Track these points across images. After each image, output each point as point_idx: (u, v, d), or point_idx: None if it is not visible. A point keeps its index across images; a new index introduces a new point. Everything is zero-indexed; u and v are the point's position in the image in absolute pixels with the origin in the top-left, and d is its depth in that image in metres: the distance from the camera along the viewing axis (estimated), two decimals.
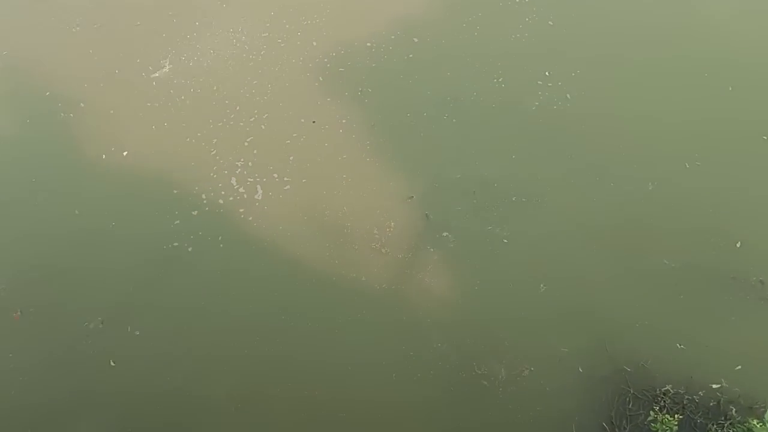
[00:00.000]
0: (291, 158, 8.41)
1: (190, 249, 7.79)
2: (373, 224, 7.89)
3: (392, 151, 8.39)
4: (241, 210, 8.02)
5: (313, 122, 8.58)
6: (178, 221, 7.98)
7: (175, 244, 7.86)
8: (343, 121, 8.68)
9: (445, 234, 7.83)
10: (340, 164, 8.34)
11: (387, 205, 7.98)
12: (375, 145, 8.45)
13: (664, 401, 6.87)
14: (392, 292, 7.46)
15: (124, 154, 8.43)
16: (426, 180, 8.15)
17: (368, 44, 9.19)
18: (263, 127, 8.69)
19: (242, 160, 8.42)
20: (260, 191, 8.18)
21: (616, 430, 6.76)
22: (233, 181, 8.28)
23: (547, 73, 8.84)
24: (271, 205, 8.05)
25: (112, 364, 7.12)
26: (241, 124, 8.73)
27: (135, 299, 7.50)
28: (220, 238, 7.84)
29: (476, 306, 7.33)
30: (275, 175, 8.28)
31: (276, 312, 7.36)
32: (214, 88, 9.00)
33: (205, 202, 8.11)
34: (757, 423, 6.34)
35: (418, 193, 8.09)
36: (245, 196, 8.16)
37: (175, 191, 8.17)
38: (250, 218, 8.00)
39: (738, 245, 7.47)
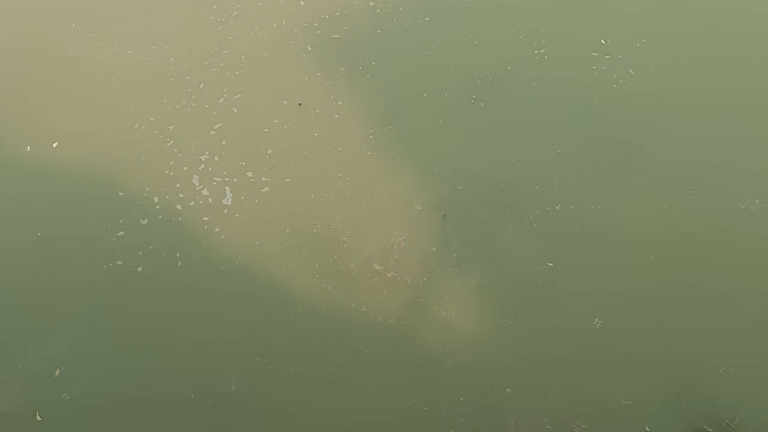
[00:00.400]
0: (270, 152, 8.19)
1: (139, 269, 7.50)
2: (376, 239, 7.62)
3: (402, 144, 8.16)
4: (206, 218, 7.74)
5: (299, 105, 8.40)
6: (122, 232, 7.70)
7: (119, 262, 7.55)
8: (339, 103, 8.49)
9: (469, 252, 7.54)
10: (334, 160, 8.09)
11: (395, 214, 7.74)
12: (380, 136, 8.24)
13: None
14: (401, 327, 7.19)
15: (54, 145, 8.21)
16: (446, 182, 7.93)
17: (371, 3, 9.08)
18: (235, 110, 8.45)
19: (207, 153, 8.17)
20: (230, 194, 7.90)
21: None
22: (195, 180, 8.00)
23: (602, 42, 8.69)
24: (243, 212, 7.78)
25: (38, 418, 6.89)
26: (206, 106, 8.49)
27: (65, 338, 7.22)
28: (177, 254, 7.55)
29: (510, 346, 7.06)
30: (249, 174, 8.03)
31: (250, 351, 7.10)
32: (171, 59, 8.80)
33: (158, 207, 7.83)
34: None
35: (435, 198, 7.89)
36: (210, 200, 7.89)
37: (120, 193, 7.92)
38: (217, 229, 7.70)
39: None
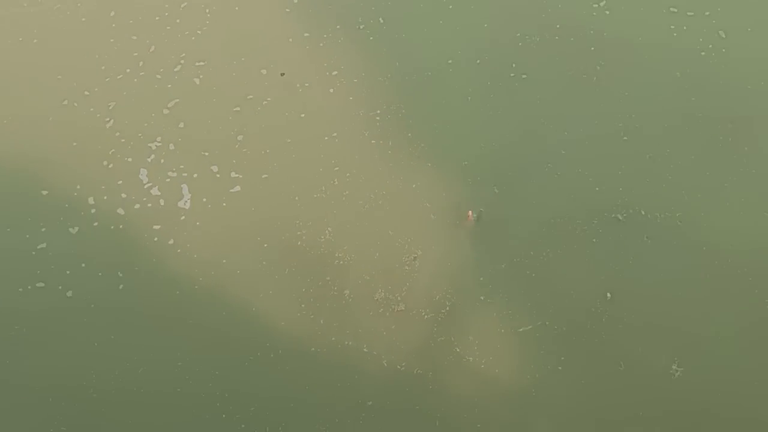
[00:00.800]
0: (241, 138, 8.06)
1: (68, 294, 7.38)
2: (382, 257, 7.54)
3: (418, 129, 8.14)
4: (156, 227, 7.62)
5: (282, 75, 8.30)
6: (44, 244, 7.56)
7: (40, 284, 7.42)
8: (333, 73, 8.39)
9: (505, 276, 7.46)
10: (326, 150, 8.02)
11: (407, 223, 7.69)
12: (388, 118, 8.18)
13: None
14: (414, 377, 7.13)
15: None
16: (476, 181, 7.87)
17: None
18: (196, 82, 8.33)
19: (159, 139, 8.04)
20: (188, 195, 7.77)
21: None
22: (143, 175, 7.86)
23: None
24: (207, 219, 7.69)
25: None
26: (158, 77, 8.37)
27: None
28: (119, 274, 7.44)
29: (559, 401, 7.01)
30: (214, 168, 7.90)
31: (215, 404, 6.99)
32: (112, 13, 8.69)
33: (93, 212, 7.72)
34: None
35: (461, 202, 7.78)
36: (162, 202, 7.75)
37: (43, 192, 7.80)
38: (171, 242, 7.58)
39: None
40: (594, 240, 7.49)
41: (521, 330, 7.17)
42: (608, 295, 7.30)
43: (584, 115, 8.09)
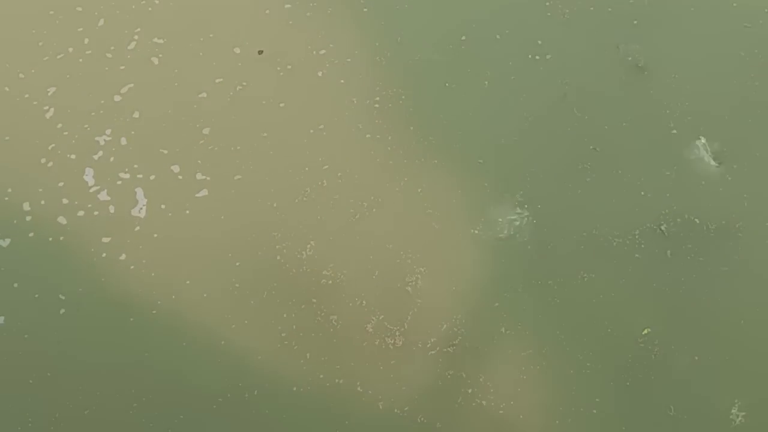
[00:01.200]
0: (207, 132, 8.13)
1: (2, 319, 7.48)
2: (378, 276, 7.62)
3: (424, 119, 8.19)
4: (106, 239, 7.72)
5: (260, 53, 8.41)
6: None
7: None
8: (321, 52, 8.46)
9: (532, 303, 7.56)
10: (312, 145, 8.11)
11: (409, 235, 7.77)
12: (389, 107, 8.21)
13: None
14: (418, 425, 7.19)
15: None
16: (496, 184, 7.94)
17: None
18: (154, 62, 8.38)
19: (108, 132, 8.10)
20: (143, 201, 7.88)
21: None
22: (89, 176, 7.94)
23: None
24: (166, 229, 7.79)
25: None
26: (109, 56, 8.43)
27: None
28: (60, 297, 7.50)
29: None
30: (175, 168, 7.98)
31: None
32: None
33: (28, 220, 7.79)
34: None
35: (476, 211, 7.84)
36: (113, 209, 7.84)
37: None
38: (123, 257, 7.66)
39: None
40: (636, 256, 7.59)
41: (549, 365, 7.26)
42: (648, 329, 7.42)
43: (625, 103, 8.18)
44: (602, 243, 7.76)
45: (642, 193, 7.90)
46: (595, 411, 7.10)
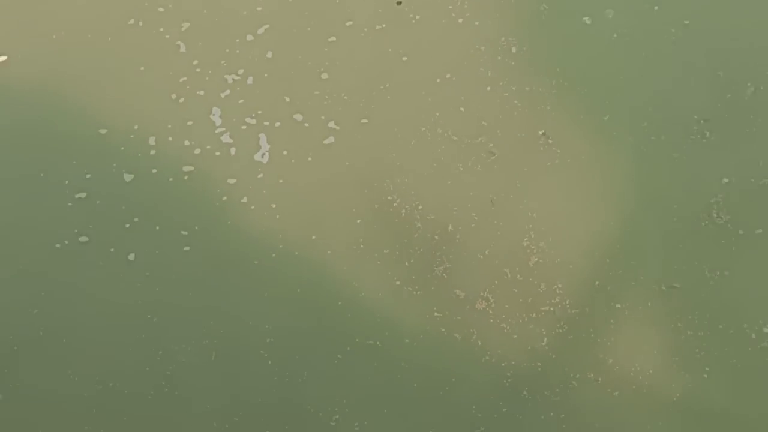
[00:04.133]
0: (328, 76, 7.88)
1: (111, 250, 7.46)
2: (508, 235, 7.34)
3: (572, 65, 7.76)
4: (232, 181, 7.68)
5: (398, 4, 8.05)
6: (83, 194, 7.60)
7: (84, 239, 7.51)
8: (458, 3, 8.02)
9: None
10: (440, 91, 7.73)
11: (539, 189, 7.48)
12: (524, 50, 7.82)
13: None
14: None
15: (1, 60, 8.07)
16: (647, 136, 7.57)
17: None
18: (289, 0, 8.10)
19: (242, 70, 7.90)
20: (266, 146, 7.75)
21: None
22: (216, 116, 7.82)
23: None
24: (290, 177, 7.64)
25: None
26: None
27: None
28: (183, 233, 7.51)
29: None
30: (299, 116, 7.77)
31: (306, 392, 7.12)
32: None
33: (153, 154, 7.74)
34: None
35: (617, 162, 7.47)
36: (234, 152, 7.74)
37: (101, 131, 7.79)
38: (245, 200, 7.62)
39: None
40: None
41: None
42: None
43: None
44: None
45: None
46: None
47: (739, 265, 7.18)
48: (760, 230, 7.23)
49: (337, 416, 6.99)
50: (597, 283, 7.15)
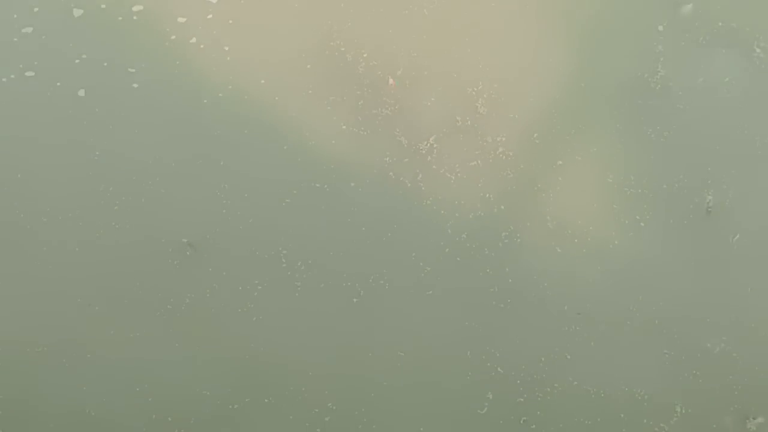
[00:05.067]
0: None
1: (57, 84, 7.31)
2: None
3: None
4: (181, 20, 7.53)
5: None
6: (29, 28, 7.45)
7: (29, 73, 7.35)
8: None
9: None
10: None
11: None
12: None
13: None
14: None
15: None
16: None
17: None
18: None
19: None
20: None
21: None
22: None
23: None
24: (240, 17, 7.49)
25: None
26: None
27: None
28: (131, 70, 7.41)
29: None
30: None
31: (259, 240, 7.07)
32: None
33: None
34: None
35: None
36: None
37: None
38: (194, 40, 7.47)
39: None
40: None
41: None
42: None
43: None
44: None
45: None
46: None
47: (676, 125, 7.27)
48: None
49: (285, 253, 6.98)
50: (536, 136, 7.17)
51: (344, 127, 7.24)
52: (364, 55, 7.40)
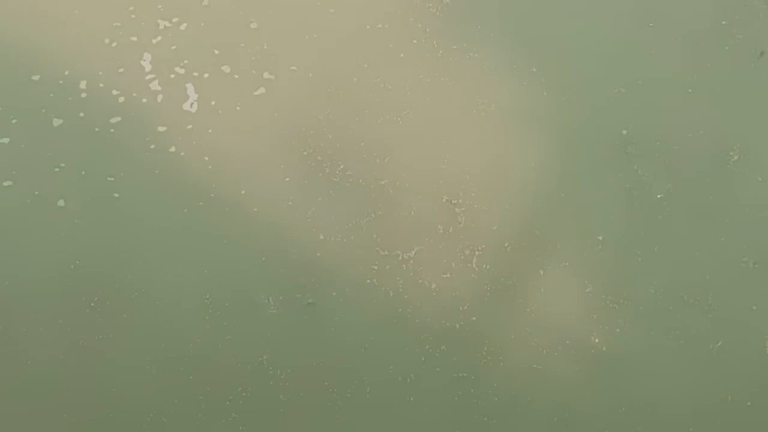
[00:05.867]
0: (255, 26, 7.87)
1: (36, 193, 7.38)
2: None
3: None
4: (162, 129, 7.64)
5: None
6: (6, 139, 7.54)
7: (6, 183, 7.44)
8: None
9: None
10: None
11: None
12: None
13: None
14: None
15: None
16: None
17: None
18: None
19: (176, 19, 7.92)
20: (194, 96, 7.74)
21: None
22: (146, 61, 7.82)
23: None
24: (218, 127, 7.65)
25: None
26: None
27: None
28: (110, 179, 7.46)
29: None
30: (226, 68, 7.81)
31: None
32: None
33: (83, 98, 7.67)
34: None
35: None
36: (162, 99, 7.71)
37: (34, 77, 7.74)
38: (173, 149, 7.59)
39: None
40: None
41: None
42: None
43: None
44: None
45: None
46: None
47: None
48: None
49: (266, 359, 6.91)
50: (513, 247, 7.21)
51: (322, 237, 7.27)
52: (341, 167, 7.49)
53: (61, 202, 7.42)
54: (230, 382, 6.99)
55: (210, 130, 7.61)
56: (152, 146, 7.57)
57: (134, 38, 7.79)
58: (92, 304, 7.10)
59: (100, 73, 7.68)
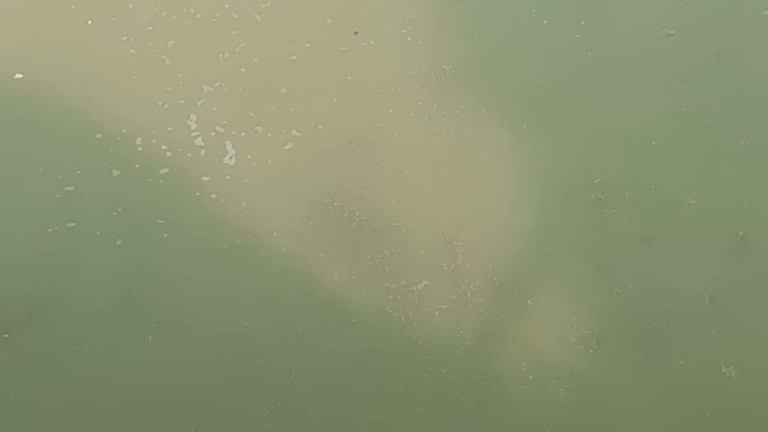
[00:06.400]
0: (286, 91, 8.32)
1: (117, 243, 7.77)
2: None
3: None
4: (205, 178, 8.09)
5: (355, 34, 8.46)
6: (71, 187, 8.02)
7: (71, 224, 7.90)
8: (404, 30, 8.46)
9: None
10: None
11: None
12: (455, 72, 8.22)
13: None
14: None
15: (18, 77, 8.39)
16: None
17: None
18: (257, 18, 8.55)
19: (219, 83, 8.40)
20: (232, 151, 8.16)
21: None
22: (192, 122, 8.29)
23: None
24: (253, 176, 8.08)
25: None
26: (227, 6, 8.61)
27: None
28: (161, 222, 7.95)
29: None
30: (259, 128, 8.24)
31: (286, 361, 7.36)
32: None
33: (140, 150, 8.15)
34: None
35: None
36: (204, 153, 8.16)
37: (97, 136, 8.21)
38: (214, 195, 8.06)
39: None
40: None
41: None
42: None
43: None
44: None
45: None
46: None
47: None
48: None
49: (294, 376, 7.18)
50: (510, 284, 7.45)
51: (338, 277, 7.61)
52: (357, 213, 7.88)
53: (119, 241, 7.87)
54: (252, 411, 7.06)
55: (246, 180, 8.05)
56: (197, 193, 8.00)
57: (182, 101, 8.27)
58: (143, 335, 7.41)
59: (153, 131, 8.16)
